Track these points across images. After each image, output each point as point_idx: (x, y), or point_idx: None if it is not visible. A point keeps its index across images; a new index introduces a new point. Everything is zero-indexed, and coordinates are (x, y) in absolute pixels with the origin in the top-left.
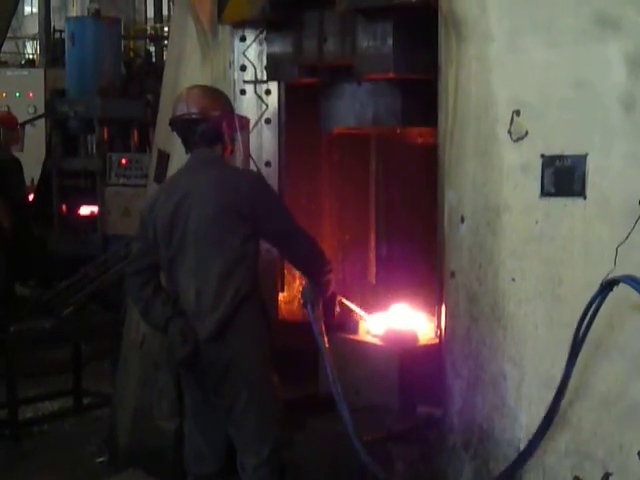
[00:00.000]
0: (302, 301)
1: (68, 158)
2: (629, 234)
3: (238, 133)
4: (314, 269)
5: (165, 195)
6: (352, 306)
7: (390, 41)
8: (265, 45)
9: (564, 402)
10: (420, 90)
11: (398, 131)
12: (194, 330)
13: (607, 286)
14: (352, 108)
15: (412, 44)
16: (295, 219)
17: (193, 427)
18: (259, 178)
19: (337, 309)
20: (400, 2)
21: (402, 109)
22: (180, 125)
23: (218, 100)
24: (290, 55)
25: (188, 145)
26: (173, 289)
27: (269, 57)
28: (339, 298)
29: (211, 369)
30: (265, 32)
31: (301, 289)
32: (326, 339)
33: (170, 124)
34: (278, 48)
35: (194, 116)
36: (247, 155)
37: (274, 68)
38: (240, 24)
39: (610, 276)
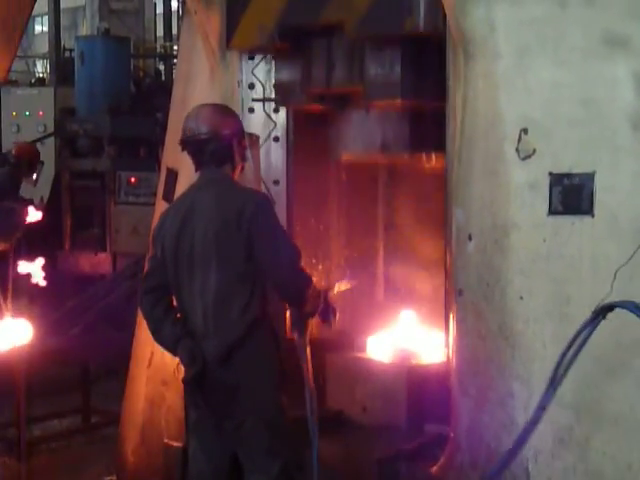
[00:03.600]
0: (289, 326)
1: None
2: (633, 254)
3: (248, 151)
4: (295, 299)
5: (173, 213)
6: (344, 286)
7: (398, 68)
8: (273, 64)
9: (572, 421)
10: (429, 116)
11: (406, 157)
12: (202, 351)
13: (600, 312)
14: (360, 135)
15: (420, 71)
16: (290, 246)
17: (197, 447)
18: (267, 201)
19: (335, 318)
20: (408, 31)
21: (410, 136)
22: (190, 145)
23: (228, 118)
24: (298, 82)
25: (198, 164)
26: (181, 308)
27: (277, 84)
28: (330, 296)
29: (219, 390)
30: (274, 66)
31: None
32: (310, 366)
33: (180, 144)
34: (286, 75)
35: (204, 136)
36: (258, 173)
37: (282, 95)
38: (248, 51)
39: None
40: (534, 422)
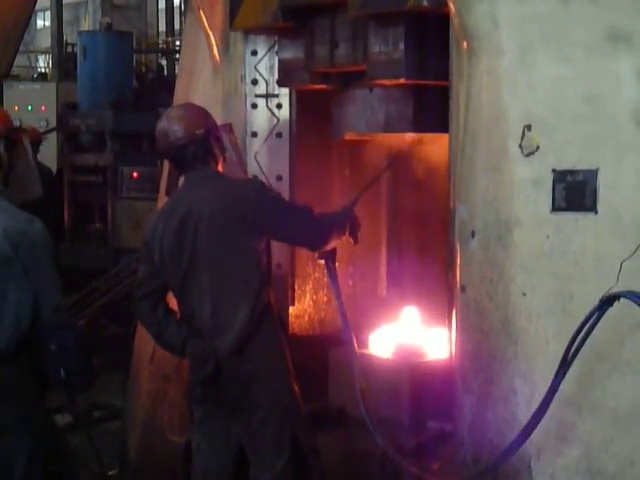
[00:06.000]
0: (318, 257)
1: (80, 171)
2: (637, 248)
3: (226, 141)
4: (327, 245)
5: (166, 217)
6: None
7: (402, 46)
8: (276, 60)
9: (575, 417)
10: (432, 96)
11: (409, 139)
12: (213, 348)
13: (607, 301)
14: (363, 114)
15: (424, 50)
16: (302, 211)
17: (202, 443)
18: (262, 184)
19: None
20: (412, 7)
21: (414, 115)
22: (169, 153)
23: (198, 117)
24: (301, 61)
25: (182, 168)
26: (186, 308)
27: (280, 64)
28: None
29: (232, 384)
30: (277, 45)
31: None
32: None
33: (158, 154)
34: (289, 54)
35: (180, 142)
36: (240, 160)
37: (285, 75)
38: (251, 31)
39: (611, 291)
40: (547, 402)
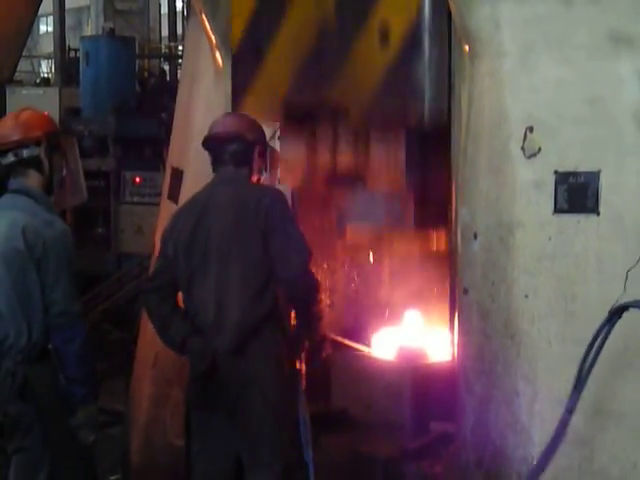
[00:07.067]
0: (294, 328)
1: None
2: None
3: (268, 166)
4: (303, 299)
5: (186, 212)
6: (348, 342)
7: (402, 157)
8: None
9: (579, 421)
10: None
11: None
12: (212, 346)
13: (616, 312)
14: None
15: (425, 159)
16: (302, 244)
17: (201, 447)
18: (281, 195)
19: (325, 351)
20: (414, 125)
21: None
22: (212, 142)
23: (254, 127)
24: (304, 163)
25: (216, 163)
26: (191, 305)
27: (283, 163)
28: (329, 338)
29: (228, 384)
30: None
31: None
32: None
33: (203, 142)
34: (291, 155)
35: (227, 135)
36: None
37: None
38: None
39: (620, 301)
40: (563, 426)
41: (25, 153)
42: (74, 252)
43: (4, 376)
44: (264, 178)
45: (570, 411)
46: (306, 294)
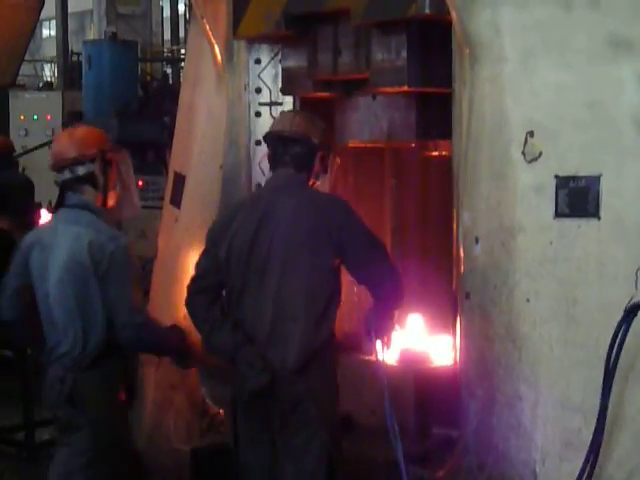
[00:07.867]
0: (365, 328)
1: None
2: None
3: (328, 172)
4: (393, 300)
5: (245, 215)
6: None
7: (404, 54)
8: (280, 68)
9: (581, 424)
10: (436, 103)
11: (413, 145)
12: (268, 359)
13: (632, 311)
14: (367, 122)
15: (427, 57)
16: (383, 247)
17: (252, 461)
18: (350, 206)
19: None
20: (414, 15)
21: (417, 122)
22: (276, 140)
23: (322, 130)
24: (305, 69)
25: (276, 163)
26: (239, 313)
27: (284, 72)
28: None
29: (284, 401)
30: (280, 53)
31: (365, 315)
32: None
33: (265, 137)
34: (293, 63)
35: (293, 135)
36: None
37: (289, 83)
38: (255, 39)
39: (634, 300)
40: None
41: (80, 170)
42: (137, 265)
43: (53, 382)
44: (319, 182)
45: (605, 410)
46: (396, 292)
